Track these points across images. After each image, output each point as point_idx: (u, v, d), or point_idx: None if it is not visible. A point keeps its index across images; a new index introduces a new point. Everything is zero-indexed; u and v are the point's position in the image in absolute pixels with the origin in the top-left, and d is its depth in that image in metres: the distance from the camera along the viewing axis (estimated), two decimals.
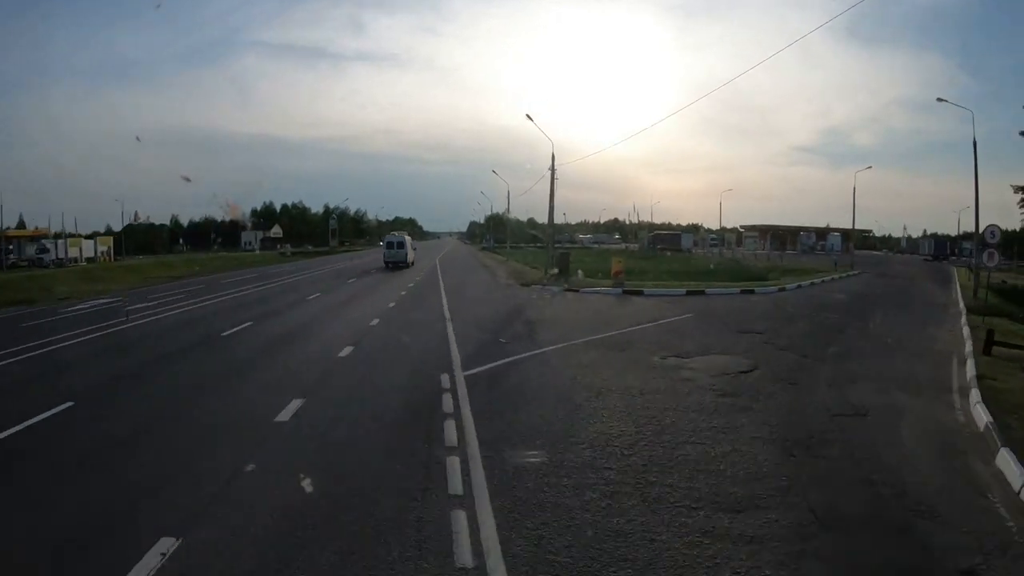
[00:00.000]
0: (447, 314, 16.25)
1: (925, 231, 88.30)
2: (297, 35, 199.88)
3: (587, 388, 8.50)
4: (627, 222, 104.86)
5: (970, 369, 9.52)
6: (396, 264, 37.11)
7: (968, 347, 11.50)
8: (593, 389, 8.44)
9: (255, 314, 16.94)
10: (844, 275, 32.92)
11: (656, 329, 13.68)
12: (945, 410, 7.96)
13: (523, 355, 10.80)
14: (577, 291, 22.06)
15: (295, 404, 7.53)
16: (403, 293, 22.29)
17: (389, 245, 38.70)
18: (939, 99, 22.59)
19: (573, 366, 9.92)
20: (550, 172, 30.34)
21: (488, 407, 7.59)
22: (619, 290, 21.41)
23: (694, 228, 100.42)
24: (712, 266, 38.11)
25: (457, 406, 7.57)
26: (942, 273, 40.59)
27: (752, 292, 21.81)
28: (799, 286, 24.49)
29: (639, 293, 20.95)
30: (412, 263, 38.80)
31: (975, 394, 8.00)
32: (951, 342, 12.83)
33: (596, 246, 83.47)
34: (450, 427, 6.70)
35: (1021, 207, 30.20)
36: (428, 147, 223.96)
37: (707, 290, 21.45)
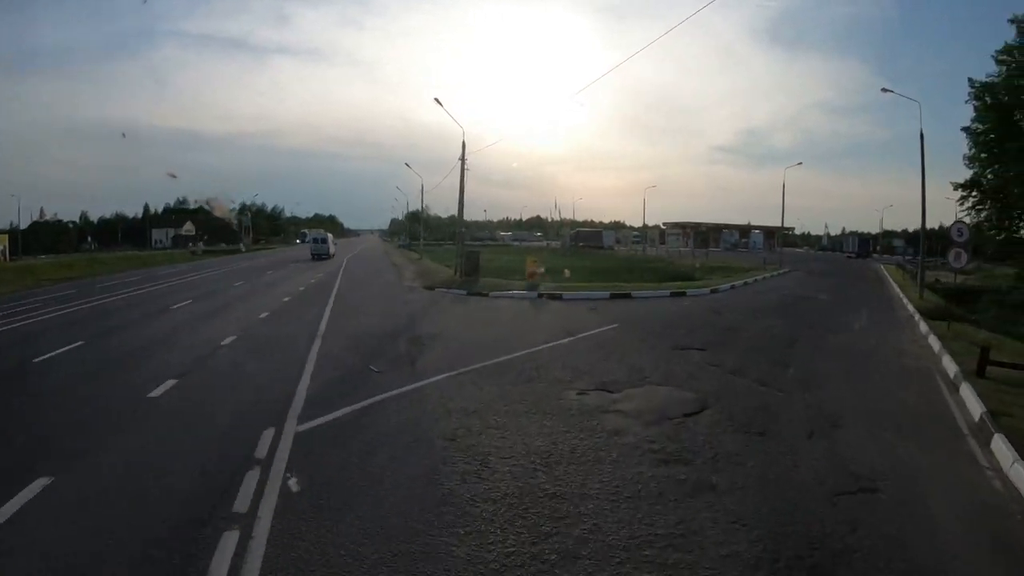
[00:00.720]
0: (322, 328, 12.91)
1: (844, 229, 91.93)
2: (219, 26, 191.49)
3: (468, 456, 5.57)
4: (551, 220, 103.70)
5: (970, 398, 7.40)
6: (320, 256, 45.77)
7: (947, 362, 9.55)
8: (477, 458, 5.52)
9: (93, 331, 13.14)
10: (774, 273, 31.71)
11: (574, 346, 10.90)
12: (971, 471, 5.61)
13: (393, 392, 7.74)
14: (487, 295, 19.13)
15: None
16: (286, 300, 18.59)
17: (315, 241, 49.52)
18: (884, 89, 21.44)
19: (457, 412, 6.91)
20: (460, 162, 27.32)
21: (304, 505, 4.56)
22: (535, 294, 18.63)
23: (618, 226, 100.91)
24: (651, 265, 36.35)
25: (255, 506, 4.50)
26: (871, 271, 40.56)
27: (683, 295, 19.59)
28: (732, 287, 22.64)
29: (557, 297, 18.27)
30: (334, 254, 48.72)
31: (1002, 446, 5.71)
32: (922, 355, 10.88)
33: (517, 244, 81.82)
34: (220, 564, 3.64)
35: (960, 203, 29.69)
36: (350, 143, 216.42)
37: (633, 293, 19.03)
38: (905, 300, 19.81)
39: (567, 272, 22.92)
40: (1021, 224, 29.33)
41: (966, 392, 7.74)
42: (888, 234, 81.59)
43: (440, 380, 8.35)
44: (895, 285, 27.02)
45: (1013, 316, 17.46)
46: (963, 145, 30.48)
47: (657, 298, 18.79)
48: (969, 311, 19.27)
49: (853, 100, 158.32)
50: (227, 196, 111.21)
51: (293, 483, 4.93)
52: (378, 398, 7.48)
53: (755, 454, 5.73)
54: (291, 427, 6.36)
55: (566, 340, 11.30)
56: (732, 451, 5.78)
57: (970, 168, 30.73)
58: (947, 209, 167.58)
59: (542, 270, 20.79)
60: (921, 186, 21.44)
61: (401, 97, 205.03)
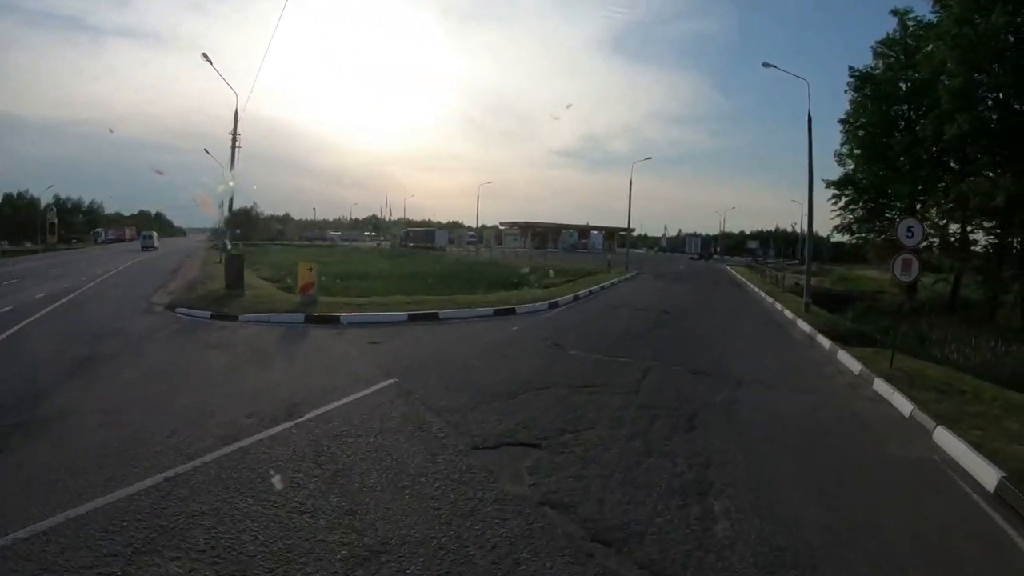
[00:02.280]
0: None
1: (680, 231, 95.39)
2: (56, 2, 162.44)
3: None
4: (389, 219, 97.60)
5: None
6: (147, 248, 55.11)
7: (966, 459, 5.73)
8: None
9: None
10: (622, 278, 28.65)
11: (271, 455, 5.48)
12: None
13: None
14: (235, 319, 13.02)
15: None
16: None
17: (145, 238, 59.03)
18: (765, 63, 19.34)
19: None
20: (231, 137, 20.67)
21: None
22: (301, 316, 12.90)
23: (456, 226, 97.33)
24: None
25: None
26: (723, 274, 39.35)
27: (512, 312, 14.91)
28: (576, 298, 18.57)
29: (332, 321, 12.72)
30: (158, 247, 58.12)
31: None
32: (904, 435, 6.80)
33: (347, 244, 75.78)
34: None
35: (834, 202, 28.36)
36: (185, 135, 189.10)
37: (443, 313, 13.98)
38: (790, 314, 17.50)
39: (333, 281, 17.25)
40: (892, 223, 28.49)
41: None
42: (727, 236, 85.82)
43: None
44: (761, 292, 25.32)
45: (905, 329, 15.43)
46: (825, 145, 29.97)
47: (476, 319, 13.94)
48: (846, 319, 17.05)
49: (691, 110, 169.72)
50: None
51: None
52: None
53: None
54: None
55: (271, 432, 5.84)
56: None
57: (840, 165, 30.09)
58: (791, 213, 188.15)
59: (313, 282, 15.05)
60: (808, 180, 19.30)
61: (241, 89, 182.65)
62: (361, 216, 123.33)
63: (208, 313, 13.64)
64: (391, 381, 7.84)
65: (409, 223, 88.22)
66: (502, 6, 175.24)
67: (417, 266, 32.50)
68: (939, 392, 8.00)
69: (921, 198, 26.26)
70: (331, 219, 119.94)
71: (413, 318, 13.36)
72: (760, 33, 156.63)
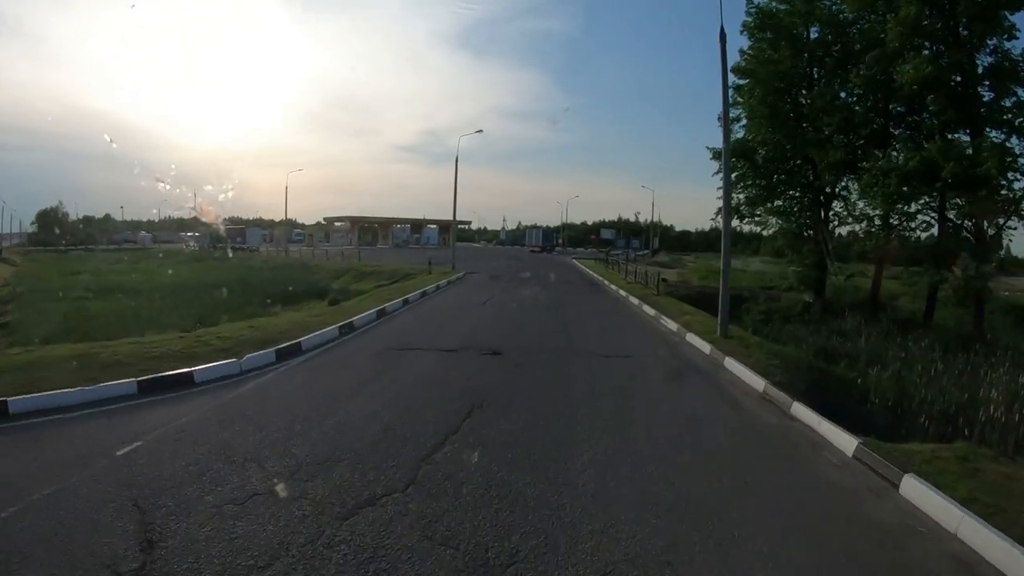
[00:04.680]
0: None
1: (520, 224, 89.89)
2: None
3: None
4: (220, 219, 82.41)
5: None
6: None
7: None
8: None
9: None
10: (445, 281, 21.18)
11: None
12: None
13: None
14: None
15: None
16: None
17: None
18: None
19: None
20: None
21: None
22: None
23: (289, 223, 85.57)
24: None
25: None
26: (570, 270, 32.87)
27: (188, 384, 6.89)
28: (350, 327, 10.91)
29: None
30: None
31: None
32: None
33: (158, 246, 61.02)
34: None
35: (719, 174, 21.40)
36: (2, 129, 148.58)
37: (13, 404, 5.59)
38: (708, 349, 10.35)
39: None
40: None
41: None
42: (570, 227, 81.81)
43: None
44: (631, 297, 18.33)
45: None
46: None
47: (80, 415, 5.75)
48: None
49: (532, 106, 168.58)
50: None
51: None
52: None
53: None
54: None
55: None
56: None
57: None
58: (633, 204, 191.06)
59: None
60: (724, 137, 12.58)
61: (72, 79, 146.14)
62: (162, 214, 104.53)
63: None
64: None
65: (235, 221, 75.43)
66: None
67: (208, 273, 27.28)
68: None
69: (848, 173, 20.35)
70: (161, 220, 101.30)
71: None
72: (604, 33, 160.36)
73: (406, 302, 15.21)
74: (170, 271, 30.27)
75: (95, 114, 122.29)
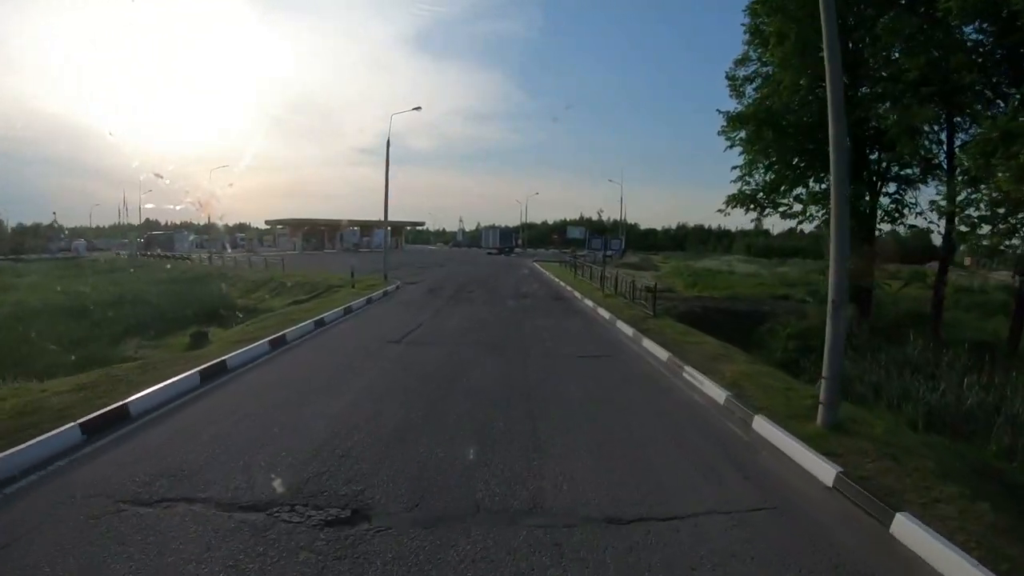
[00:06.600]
0: None
1: (479, 224, 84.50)
2: None
3: None
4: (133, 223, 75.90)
5: None
6: None
7: None
8: None
9: None
10: (363, 300, 15.73)
11: None
12: None
13: None
14: None
15: None
16: None
17: None
18: None
19: None
20: None
21: None
22: None
23: (242, 227, 79.68)
24: None
25: None
26: (532, 278, 26.91)
27: None
28: (174, 402, 5.90)
29: None
30: None
31: None
32: None
33: (89, 255, 54.14)
34: None
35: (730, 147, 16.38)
36: None
37: None
38: (806, 453, 5.42)
39: None
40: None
41: None
42: (530, 227, 76.87)
43: None
44: (617, 321, 13.18)
45: None
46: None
47: None
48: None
49: (492, 108, 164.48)
50: None
51: None
52: None
53: None
54: None
55: None
56: None
57: (735, 97, 18.44)
58: (593, 204, 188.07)
59: None
60: None
61: (21, 80, 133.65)
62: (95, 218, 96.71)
63: None
64: None
65: (165, 227, 68.95)
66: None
67: (101, 289, 24.70)
68: None
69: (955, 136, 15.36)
70: (111, 226, 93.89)
71: None
72: (564, 35, 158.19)
73: (278, 343, 9.74)
74: (58, 288, 24.88)
75: (50, 117, 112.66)
